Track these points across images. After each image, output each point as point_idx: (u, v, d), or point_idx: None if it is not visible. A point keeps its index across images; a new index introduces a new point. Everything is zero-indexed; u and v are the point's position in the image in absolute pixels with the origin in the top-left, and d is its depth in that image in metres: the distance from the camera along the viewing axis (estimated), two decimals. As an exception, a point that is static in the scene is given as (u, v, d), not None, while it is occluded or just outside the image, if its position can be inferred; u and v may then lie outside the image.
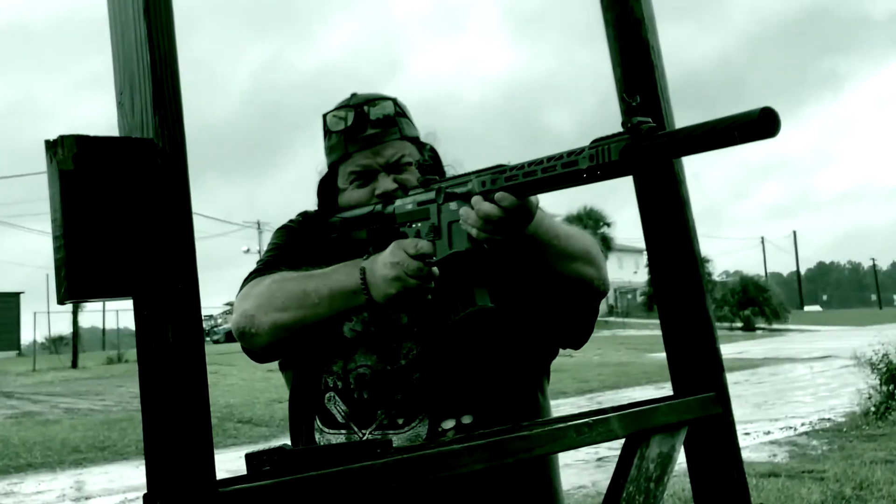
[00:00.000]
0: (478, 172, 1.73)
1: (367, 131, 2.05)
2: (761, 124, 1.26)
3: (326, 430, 2.03)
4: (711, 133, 1.32)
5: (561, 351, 2.14)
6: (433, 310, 1.85)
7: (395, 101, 2.11)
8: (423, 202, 1.88)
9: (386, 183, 2.04)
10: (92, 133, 1.27)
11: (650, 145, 1.38)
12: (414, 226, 1.89)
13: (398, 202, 1.95)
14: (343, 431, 2.00)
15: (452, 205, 1.78)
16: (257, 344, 1.99)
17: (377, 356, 2.00)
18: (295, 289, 1.91)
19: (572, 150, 1.50)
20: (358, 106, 2.07)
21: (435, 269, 1.80)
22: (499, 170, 1.67)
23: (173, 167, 1.28)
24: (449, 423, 1.95)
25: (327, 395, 2.04)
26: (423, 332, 2.00)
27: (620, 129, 1.43)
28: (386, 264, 1.80)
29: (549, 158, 1.54)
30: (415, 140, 2.11)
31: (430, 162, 1.94)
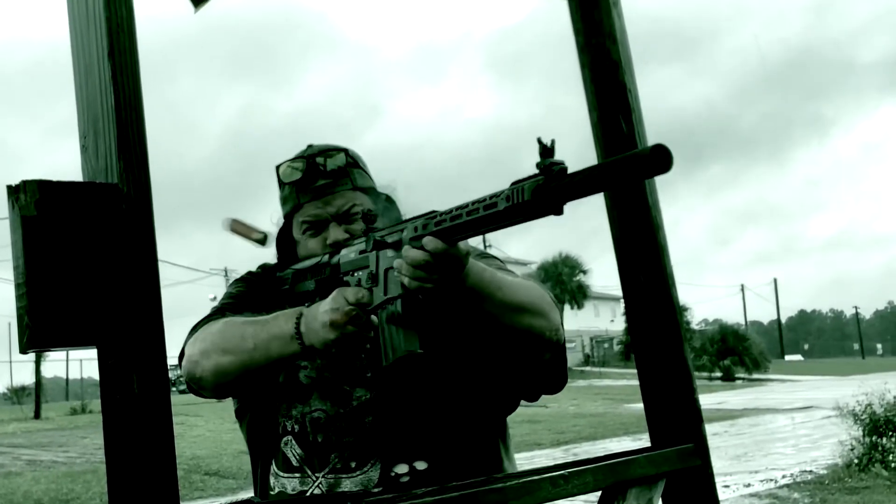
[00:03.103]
0: (412, 219, 1.77)
1: (318, 182, 2.11)
2: (654, 160, 1.34)
3: (281, 474, 2.06)
4: (610, 171, 1.40)
5: (536, 402, 2.13)
6: (377, 355, 1.86)
7: (347, 151, 2.16)
8: (363, 251, 1.92)
9: (336, 233, 2.09)
10: (60, 178, 1.26)
11: (559, 185, 1.44)
12: (356, 274, 1.93)
13: (343, 251, 2.00)
14: (297, 475, 2.03)
15: (389, 252, 1.83)
16: (203, 387, 2.05)
17: (331, 401, 2.04)
18: (236, 334, 1.96)
19: (494, 192, 1.54)
20: (310, 157, 2.12)
21: (373, 316, 1.84)
22: (429, 216, 1.71)
23: (138, 212, 1.26)
24: (402, 468, 1.97)
25: (284, 438, 2.07)
26: (375, 377, 2.03)
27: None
28: (326, 311, 1.83)
29: (474, 202, 1.59)
30: (369, 190, 2.17)
31: (380, 213, 1.99)
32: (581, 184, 1.42)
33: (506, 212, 1.51)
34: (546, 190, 1.45)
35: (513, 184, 1.51)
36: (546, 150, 1.46)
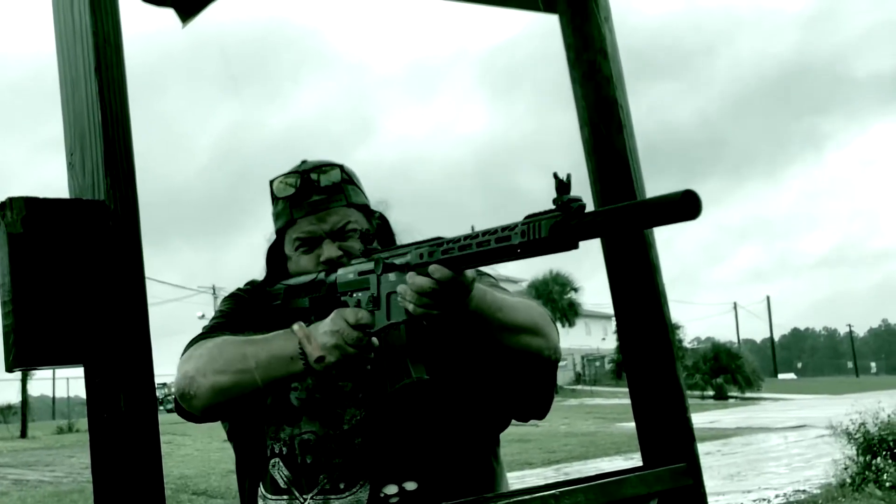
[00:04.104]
0: (417, 244, 1.76)
1: (312, 198, 2.09)
2: (683, 206, 1.31)
3: (270, 496, 2.05)
4: (636, 213, 1.38)
5: (526, 422, 2.12)
6: (376, 378, 1.85)
7: (342, 167, 2.14)
8: (363, 272, 1.91)
9: (330, 250, 2.07)
10: (47, 195, 1.25)
11: (579, 223, 1.42)
12: (355, 295, 1.92)
13: (340, 271, 1.98)
14: (285, 497, 2.02)
15: (391, 276, 1.82)
16: (196, 406, 2.00)
17: (320, 422, 2.02)
18: (234, 352, 1.93)
19: (506, 225, 1.53)
20: (304, 172, 2.10)
21: (374, 339, 1.82)
22: (436, 242, 1.70)
23: (125, 229, 1.25)
24: (392, 489, 1.96)
25: (272, 461, 2.06)
26: (368, 398, 2.01)
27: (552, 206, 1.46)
28: (326, 332, 1.81)
29: (485, 233, 1.57)
30: (363, 207, 2.15)
31: (374, 231, 2.00)
32: (602, 224, 1.41)
33: (519, 246, 1.49)
34: (565, 228, 1.43)
35: (526, 218, 1.49)
36: (563, 186, 1.44)
